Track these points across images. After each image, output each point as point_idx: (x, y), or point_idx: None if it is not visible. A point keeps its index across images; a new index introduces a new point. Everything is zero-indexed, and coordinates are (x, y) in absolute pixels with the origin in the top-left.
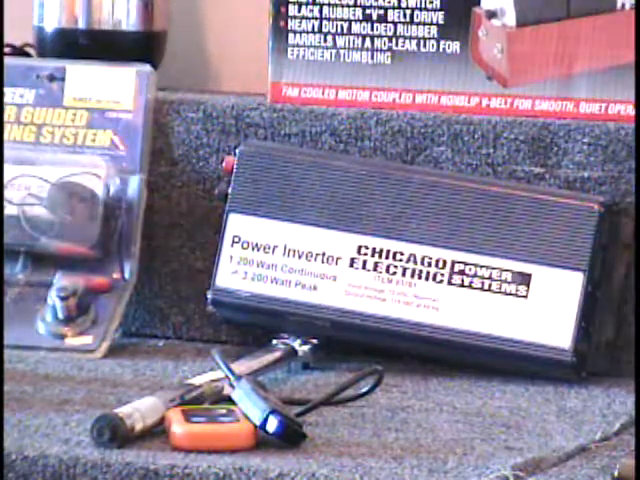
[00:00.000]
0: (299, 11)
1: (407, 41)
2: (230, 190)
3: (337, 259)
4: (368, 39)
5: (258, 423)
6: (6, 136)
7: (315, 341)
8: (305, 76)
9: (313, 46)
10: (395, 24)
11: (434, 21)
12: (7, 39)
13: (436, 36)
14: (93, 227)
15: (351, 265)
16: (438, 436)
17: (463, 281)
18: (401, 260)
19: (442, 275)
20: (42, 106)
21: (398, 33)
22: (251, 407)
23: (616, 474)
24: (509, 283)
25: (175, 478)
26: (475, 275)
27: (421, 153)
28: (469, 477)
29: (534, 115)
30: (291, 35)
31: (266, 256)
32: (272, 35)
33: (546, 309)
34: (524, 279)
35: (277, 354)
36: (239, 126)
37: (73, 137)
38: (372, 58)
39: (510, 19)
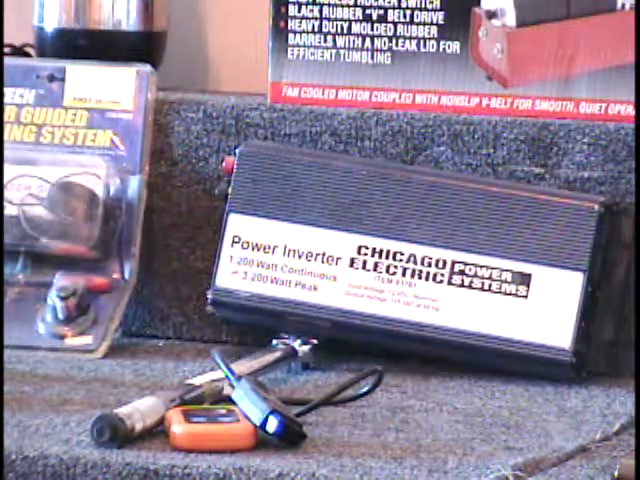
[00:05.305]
0: (299, 11)
1: (407, 41)
2: (230, 190)
3: (337, 259)
4: (368, 39)
5: (258, 423)
6: (6, 136)
7: (315, 341)
8: (305, 76)
9: (313, 46)
10: (395, 24)
11: (434, 21)
12: (7, 39)
13: (436, 36)
14: (93, 227)
15: (351, 265)
16: (438, 436)
17: (463, 281)
18: (401, 260)
19: (442, 275)
20: (42, 106)
21: (398, 33)
22: (251, 407)
23: (616, 474)
24: (509, 283)
25: (175, 478)
26: (475, 275)
27: (421, 153)
28: (469, 477)
29: (534, 115)
30: (291, 35)
31: (266, 256)
32: (272, 35)
33: (546, 309)
34: (524, 279)
35: (277, 354)
36: (239, 126)
37: (73, 137)
38: (372, 58)
39: (510, 19)
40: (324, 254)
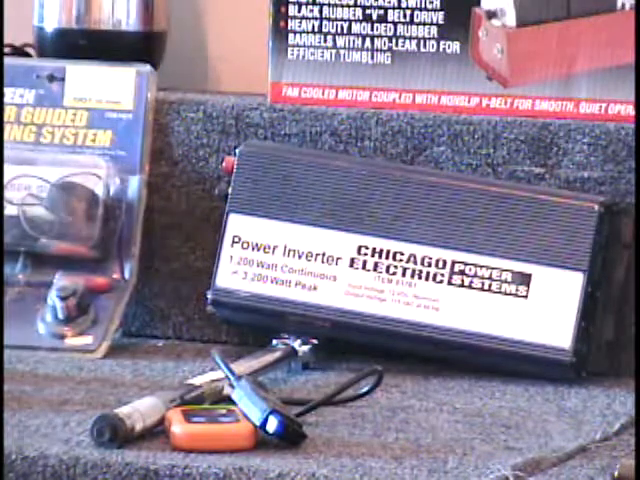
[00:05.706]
0: (299, 11)
1: (407, 41)
2: (230, 190)
3: (337, 259)
4: (368, 39)
5: (258, 423)
6: (6, 136)
7: (315, 341)
8: (305, 76)
9: (313, 46)
10: (395, 24)
11: (434, 21)
12: (7, 39)
13: (436, 36)
14: (93, 227)
15: (351, 265)
16: (438, 436)
17: (463, 281)
18: (401, 260)
19: (442, 275)
20: (42, 106)
21: (398, 33)
22: (251, 407)
23: (616, 474)
24: (509, 283)
25: (175, 478)
26: (475, 275)
27: (421, 153)
28: (469, 477)
29: (534, 115)
30: (291, 35)
31: (266, 256)
32: (272, 35)
33: (546, 309)
34: (524, 279)
35: (277, 354)
36: (239, 126)
37: (73, 137)
38: (372, 58)
39: (510, 19)
40: (324, 254)
